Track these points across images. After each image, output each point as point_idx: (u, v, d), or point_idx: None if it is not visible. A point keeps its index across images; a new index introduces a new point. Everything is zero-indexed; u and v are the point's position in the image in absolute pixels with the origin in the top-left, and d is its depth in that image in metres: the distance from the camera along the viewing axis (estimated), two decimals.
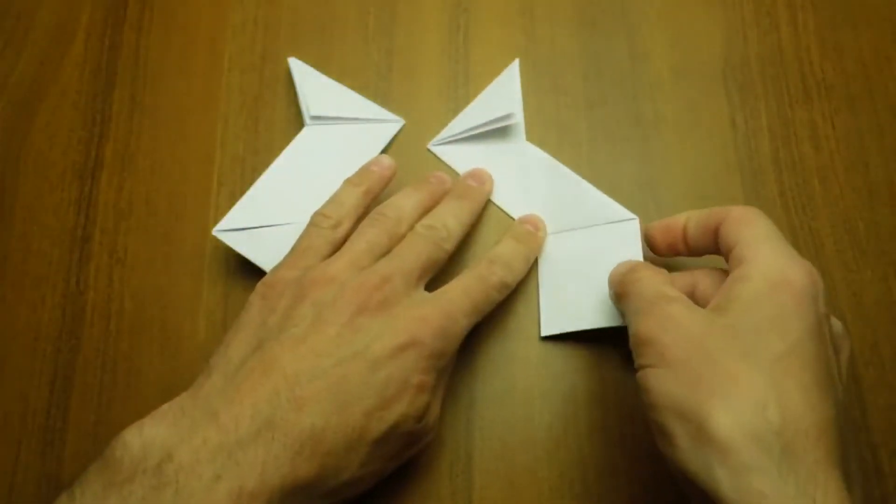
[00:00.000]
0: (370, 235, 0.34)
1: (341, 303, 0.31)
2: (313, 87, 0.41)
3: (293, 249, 0.34)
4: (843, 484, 0.24)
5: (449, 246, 0.34)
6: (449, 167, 0.40)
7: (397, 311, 0.31)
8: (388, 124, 0.41)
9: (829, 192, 0.39)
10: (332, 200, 0.36)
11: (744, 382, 0.25)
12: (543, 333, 0.37)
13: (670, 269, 0.36)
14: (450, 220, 0.35)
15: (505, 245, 0.36)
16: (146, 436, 0.27)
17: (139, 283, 0.39)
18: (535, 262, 0.38)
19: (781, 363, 0.26)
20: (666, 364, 0.27)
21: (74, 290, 0.39)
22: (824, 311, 0.28)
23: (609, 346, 0.36)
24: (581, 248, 0.37)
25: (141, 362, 0.37)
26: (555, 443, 0.35)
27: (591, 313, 0.36)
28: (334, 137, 0.41)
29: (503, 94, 0.41)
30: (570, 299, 0.37)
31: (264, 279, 0.33)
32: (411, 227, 0.35)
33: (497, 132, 0.40)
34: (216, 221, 0.38)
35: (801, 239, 0.38)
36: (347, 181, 0.37)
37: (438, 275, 0.35)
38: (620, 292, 0.32)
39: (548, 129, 0.41)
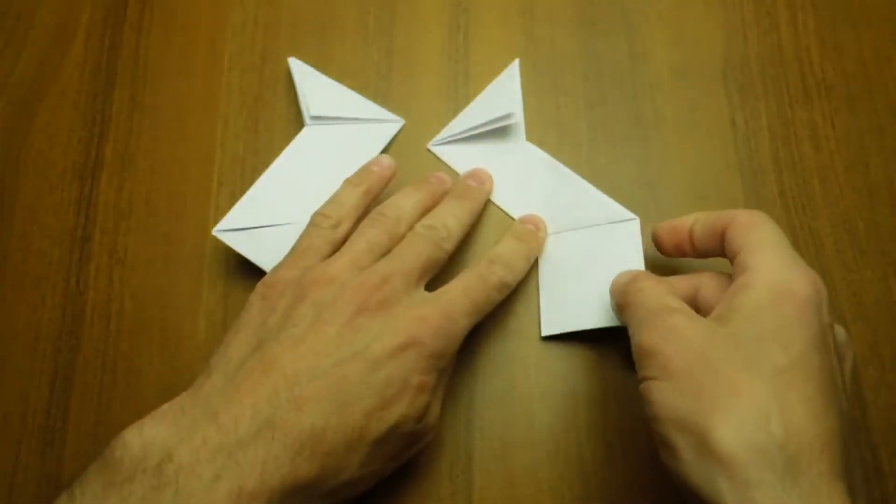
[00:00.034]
0: (370, 235, 0.34)
1: (341, 303, 0.30)
2: (313, 87, 0.41)
3: (293, 249, 0.34)
4: (847, 497, 0.24)
5: (449, 246, 0.34)
6: (449, 167, 0.40)
7: (397, 311, 0.31)
8: (388, 124, 0.41)
9: (829, 192, 0.39)
10: (332, 200, 0.36)
11: (746, 395, 0.25)
12: (544, 333, 0.37)
13: (675, 270, 0.36)
14: (450, 220, 0.35)
15: (505, 244, 0.36)
16: (146, 436, 0.27)
17: (139, 283, 0.39)
18: (535, 263, 0.38)
19: (784, 375, 0.26)
20: (668, 376, 0.27)
21: (74, 290, 0.39)
22: (828, 321, 0.28)
23: (609, 346, 0.36)
24: (581, 248, 0.37)
25: (141, 362, 0.37)
26: (555, 443, 0.35)
27: (592, 313, 0.36)
28: (334, 137, 0.41)
29: (503, 94, 0.41)
30: (571, 299, 0.37)
31: (264, 279, 0.33)
32: (411, 227, 0.35)
33: (497, 132, 0.40)
34: (216, 221, 0.38)
35: (801, 239, 0.38)
36: (347, 181, 0.37)
37: (438, 275, 0.34)
38: (622, 303, 0.32)
39: (548, 129, 0.41)
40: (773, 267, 0.28)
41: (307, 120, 0.41)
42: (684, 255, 0.34)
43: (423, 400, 0.30)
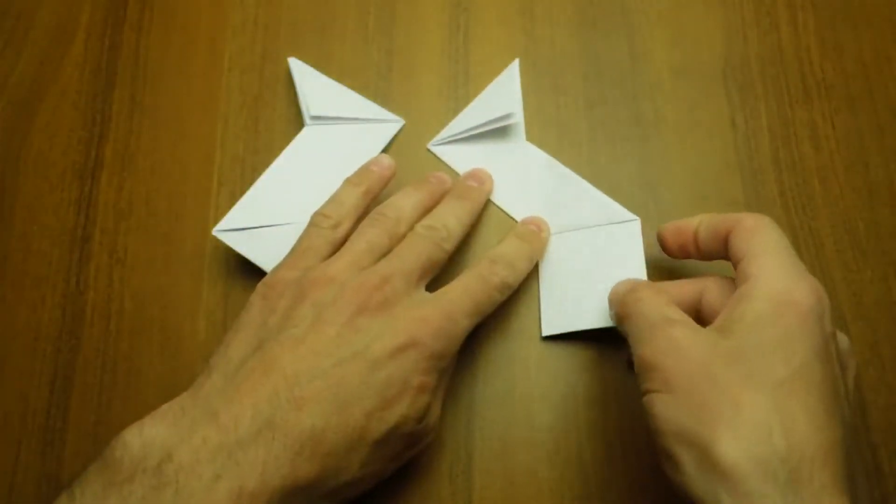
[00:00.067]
0: (370, 235, 0.34)
1: (341, 303, 0.30)
2: (313, 87, 0.41)
3: (293, 250, 0.34)
4: None
5: (449, 246, 0.34)
6: (449, 167, 0.40)
7: (397, 312, 0.31)
8: (388, 124, 0.41)
9: (829, 192, 0.39)
10: (332, 200, 0.36)
11: (748, 408, 0.25)
12: (544, 333, 0.37)
13: (676, 270, 0.36)
14: (450, 220, 0.35)
15: (508, 244, 0.36)
16: (146, 436, 0.27)
17: (139, 283, 0.39)
18: (536, 263, 0.38)
19: (786, 387, 0.26)
20: (670, 389, 0.27)
21: (74, 290, 0.39)
22: (830, 330, 0.28)
23: (609, 346, 0.36)
24: (582, 249, 0.37)
25: (141, 362, 0.37)
26: (555, 443, 0.35)
27: (592, 313, 0.36)
28: (334, 137, 0.41)
29: (503, 94, 0.41)
30: (571, 299, 0.37)
31: (265, 279, 0.33)
32: (411, 227, 0.35)
33: (497, 132, 0.40)
34: (216, 221, 0.38)
35: (801, 239, 0.38)
36: (347, 181, 0.37)
37: (439, 275, 0.34)
38: (622, 314, 0.32)
39: (548, 129, 0.41)
40: (775, 276, 0.28)
41: (307, 120, 0.41)
42: (689, 256, 0.34)
43: (424, 400, 0.30)
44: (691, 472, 0.25)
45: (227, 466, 0.26)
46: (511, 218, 0.39)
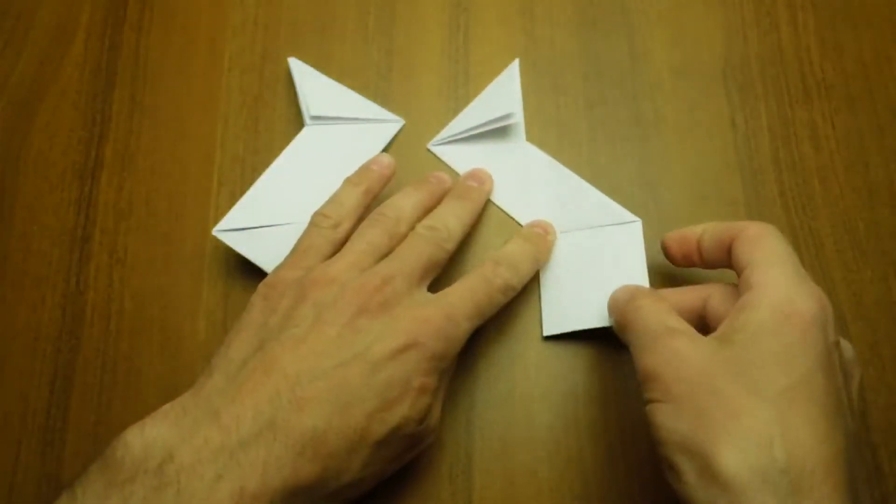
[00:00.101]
0: (371, 236, 0.34)
1: (342, 304, 0.30)
2: (313, 87, 0.41)
3: (294, 250, 0.34)
4: None
5: (450, 246, 0.34)
6: (449, 167, 0.40)
7: (398, 312, 0.31)
8: (388, 124, 0.41)
9: (829, 192, 0.39)
10: (332, 200, 0.36)
11: (749, 419, 0.25)
12: (545, 333, 0.37)
13: (679, 274, 0.36)
14: (451, 220, 0.35)
15: (512, 246, 0.36)
16: (147, 436, 0.27)
17: (139, 283, 0.39)
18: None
19: (787, 397, 0.26)
20: (671, 399, 0.27)
21: (74, 290, 0.39)
22: (834, 339, 0.27)
23: (609, 346, 0.36)
24: (583, 249, 0.37)
25: (141, 362, 0.37)
26: (555, 443, 0.35)
27: (593, 313, 0.36)
28: (334, 137, 0.41)
29: (503, 94, 0.41)
30: (573, 299, 0.37)
31: (266, 279, 0.33)
32: (411, 227, 0.35)
33: (497, 132, 0.40)
34: (216, 221, 0.38)
35: (801, 239, 0.38)
36: (347, 180, 0.37)
37: (440, 275, 0.34)
38: (622, 323, 0.32)
39: (548, 129, 0.41)
40: (778, 285, 0.28)
41: (307, 120, 0.41)
42: (693, 265, 0.34)
43: (425, 402, 0.30)
44: (692, 481, 0.25)
45: (229, 467, 0.26)
46: (511, 218, 0.39)
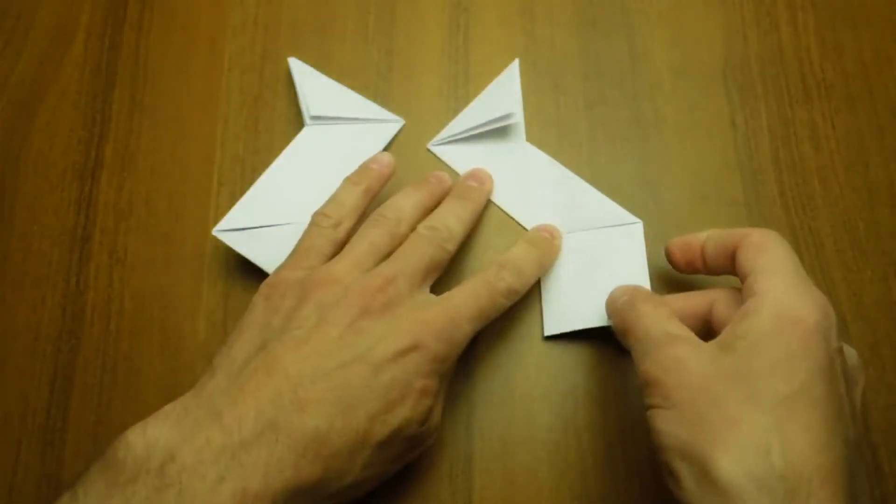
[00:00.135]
0: (372, 236, 0.34)
1: (344, 305, 0.30)
2: (313, 87, 0.41)
3: (295, 250, 0.34)
4: None
5: (451, 247, 0.34)
6: (449, 167, 0.40)
7: (401, 313, 0.31)
8: (388, 124, 0.41)
9: (829, 192, 0.39)
10: (333, 200, 0.36)
11: (748, 426, 0.25)
12: (546, 333, 0.37)
13: (680, 277, 0.36)
14: (451, 220, 0.35)
15: (517, 250, 0.36)
16: (149, 436, 0.27)
17: (139, 283, 0.39)
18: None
19: (787, 405, 0.26)
20: (672, 405, 0.27)
21: (74, 290, 0.39)
22: (836, 346, 0.27)
23: (609, 346, 0.36)
24: (584, 250, 0.37)
25: (141, 362, 0.37)
26: (555, 443, 0.35)
27: (594, 313, 0.36)
28: (334, 137, 0.41)
29: (503, 94, 0.41)
30: (574, 299, 0.37)
31: (267, 280, 0.33)
32: (412, 228, 0.35)
33: (497, 132, 0.40)
34: (216, 221, 0.38)
35: (801, 239, 0.38)
36: (347, 180, 0.37)
37: (442, 276, 0.34)
38: (623, 328, 0.32)
39: (548, 129, 0.41)
40: (780, 292, 0.28)
41: (307, 120, 0.41)
42: (696, 271, 0.34)
43: (426, 404, 0.30)
44: (691, 487, 0.26)
45: (231, 468, 0.26)
46: (511, 218, 0.39)
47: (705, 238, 0.33)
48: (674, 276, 0.37)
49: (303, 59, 0.42)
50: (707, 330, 0.31)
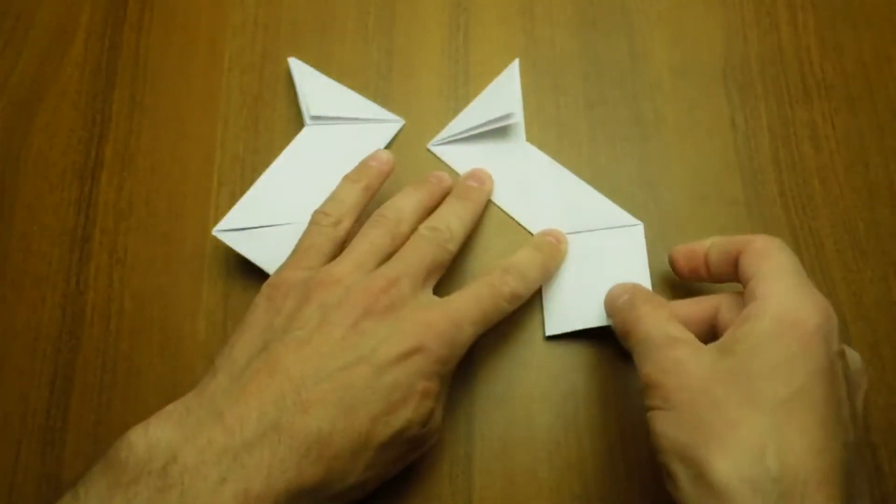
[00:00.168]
0: (373, 237, 0.34)
1: (347, 305, 0.30)
2: (313, 87, 0.41)
3: (296, 249, 0.34)
4: None
5: (453, 247, 0.34)
6: (449, 167, 0.40)
7: (404, 314, 0.31)
8: (388, 124, 0.41)
9: (829, 192, 0.39)
10: (332, 198, 0.36)
11: (744, 429, 0.25)
12: (548, 333, 0.37)
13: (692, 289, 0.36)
14: (452, 221, 0.35)
15: (522, 254, 0.36)
16: (151, 436, 0.27)
17: (139, 283, 0.39)
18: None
19: (785, 408, 0.26)
20: (670, 407, 0.27)
21: (74, 290, 0.39)
22: (837, 349, 0.27)
23: (609, 345, 0.36)
24: (585, 251, 0.37)
25: (141, 362, 0.37)
26: (555, 443, 0.35)
27: (595, 313, 0.36)
28: (334, 137, 0.41)
29: (503, 94, 0.41)
30: (575, 300, 0.37)
31: (269, 280, 0.33)
32: (413, 227, 0.35)
33: (497, 132, 0.40)
34: (216, 221, 0.38)
35: (801, 239, 0.38)
36: (346, 178, 0.37)
37: (444, 277, 0.34)
38: (623, 330, 0.32)
39: (548, 129, 0.41)
40: (782, 296, 0.28)
41: (307, 120, 0.41)
42: (700, 279, 0.34)
43: (428, 405, 0.30)
44: (687, 488, 0.26)
45: (233, 469, 0.26)
46: (511, 218, 0.39)
47: (709, 245, 0.33)
48: (674, 277, 0.37)
49: (303, 59, 0.42)
50: (713, 334, 0.31)
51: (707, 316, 0.32)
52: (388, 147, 0.41)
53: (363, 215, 0.36)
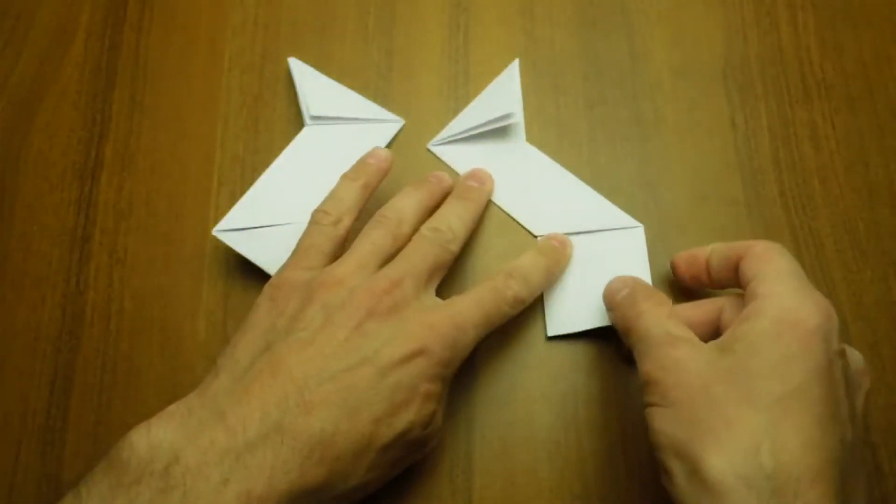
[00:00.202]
0: (374, 237, 0.34)
1: (350, 307, 0.30)
2: (313, 87, 0.41)
3: (296, 249, 0.34)
4: None
5: (455, 247, 0.34)
6: (449, 167, 0.40)
7: (407, 316, 0.31)
8: (388, 124, 0.41)
9: (829, 192, 0.39)
10: (331, 197, 0.36)
11: (740, 426, 0.26)
12: (550, 334, 0.37)
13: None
14: (454, 221, 0.35)
15: (526, 258, 0.36)
16: (153, 437, 0.27)
17: (139, 283, 0.39)
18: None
19: (781, 406, 0.26)
20: (668, 404, 0.27)
21: (74, 290, 0.39)
22: (837, 348, 0.28)
23: (610, 345, 0.36)
24: (586, 252, 0.37)
25: (141, 362, 0.37)
26: (555, 443, 0.35)
27: (597, 313, 0.36)
28: (334, 137, 0.41)
29: (503, 94, 0.41)
30: (576, 300, 0.37)
31: (271, 280, 0.33)
32: (414, 228, 0.35)
33: (497, 132, 0.40)
34: (216, 221, 0.38)
35: (801, 239, 0.38)
36: (344, 176, 0.37)
37: (445, 277, 0.34)
38: (624, 328, 0.32)
39: (548, 129, 0.41)
40: (782, 296, 0.28)
41: (307, 120, 0.41)
42: (702, 285, 0.34)
43: (430, 408, 0.30)
44: (682, 484, 0.26)
45: (235, 470, 0.26)
46: (512, 219, 0.39)
47: (710, 251, 0.33)
48: (673, 279, 0.37)
49: (303, 59, 0.42)
50: (716, 336, 0.31)
51: (710, 318, 0.32)
52: (388, 147, 0.41)
53: (363, 213, 0.36)
